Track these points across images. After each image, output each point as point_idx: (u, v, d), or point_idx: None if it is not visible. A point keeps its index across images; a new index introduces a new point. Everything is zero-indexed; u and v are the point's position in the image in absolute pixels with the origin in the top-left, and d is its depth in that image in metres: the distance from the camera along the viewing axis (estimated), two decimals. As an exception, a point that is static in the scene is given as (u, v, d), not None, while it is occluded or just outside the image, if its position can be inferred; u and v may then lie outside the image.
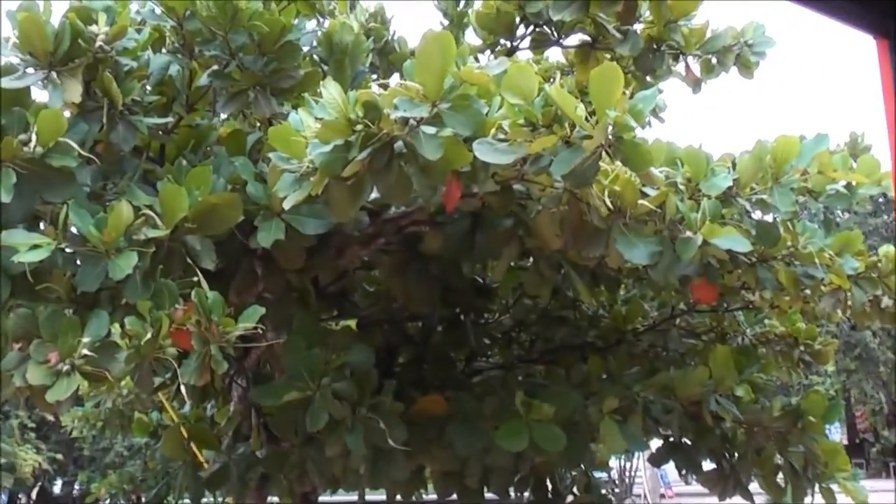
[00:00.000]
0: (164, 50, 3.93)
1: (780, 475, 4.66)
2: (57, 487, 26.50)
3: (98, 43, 3.31)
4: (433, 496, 5.21)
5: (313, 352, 3.93)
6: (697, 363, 5.21)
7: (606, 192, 3.12)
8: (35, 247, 2.94)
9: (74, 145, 3.07)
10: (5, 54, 3.27)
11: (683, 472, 5.04)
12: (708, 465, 4.86)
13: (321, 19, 4.74)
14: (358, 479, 4.47)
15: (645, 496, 24.61)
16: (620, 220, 3.20)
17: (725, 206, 3.46)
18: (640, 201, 3.16)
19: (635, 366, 4.92)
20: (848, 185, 3.86)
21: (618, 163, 2.99)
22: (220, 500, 5.71)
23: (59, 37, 3.24)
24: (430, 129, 2.84)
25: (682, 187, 3.41)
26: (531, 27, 5.12)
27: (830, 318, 5.08)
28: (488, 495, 4.91)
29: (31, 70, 3.28)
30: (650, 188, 3.22)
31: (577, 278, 4.25)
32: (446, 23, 5.22)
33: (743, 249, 3.26)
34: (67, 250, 3.05)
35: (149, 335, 2.94)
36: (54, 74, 3.27)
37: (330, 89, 2.99)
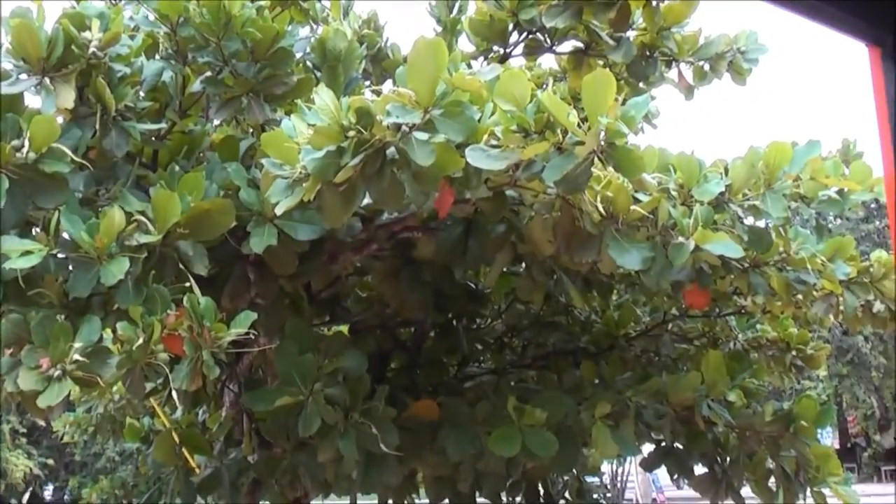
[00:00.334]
0: (157, 56, 3.93)
1: (772, 479, 4.66)
2: (48, 493, 26.44)
3: (91, 49, 3.32)
4: (425, 501, 5.20)
5: (305, 357, 3.93)
6: (689, 368, 5.23)
7: (599, 198, 3.14)
8: (27, 252, 2.94)
9: (67, 151, 3.07)
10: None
11: (675, 476, 5.04)
12: (700, 470, 4.87)
13: (314, 26, 4.75)
14: (350, 484, 4.46)
15: (637, 501, 24.62)
16: (613, 226, 3.21)
17: (718, 211, 3.48)
18: (633, 207, 3.18)
19: (627, 371, 4.91)
20: (840, 191, 3.89)
21: (610, 169, 3.01)
22: (211, 505, 5.69)
23: (53, 43, 3.25)
24: (423, 136, 2.85)
25: (674, 193, 3.43)
26: (524, 34, 5.12)
27: (822, 323, 5.12)
28: (480, 500, 4.91)
29: (24, 76, 3.28)
30: (643, 194, 3.24)
31: (569, 284, 4.27)
32: (439, 29, 5.22)
33: (735, 255, 3.28)
34: (59, 256, 3.05)
35: (140, 340, 2.94)
36: (47, 80, 3.27)
37: (323, 95, 3.00)
